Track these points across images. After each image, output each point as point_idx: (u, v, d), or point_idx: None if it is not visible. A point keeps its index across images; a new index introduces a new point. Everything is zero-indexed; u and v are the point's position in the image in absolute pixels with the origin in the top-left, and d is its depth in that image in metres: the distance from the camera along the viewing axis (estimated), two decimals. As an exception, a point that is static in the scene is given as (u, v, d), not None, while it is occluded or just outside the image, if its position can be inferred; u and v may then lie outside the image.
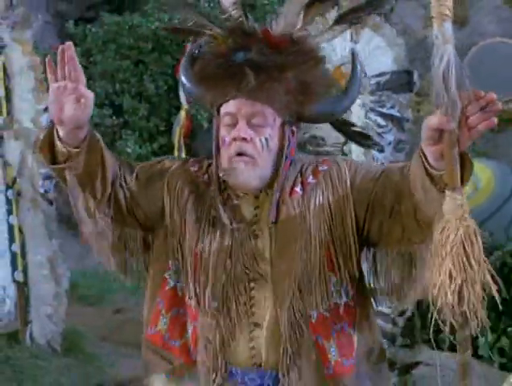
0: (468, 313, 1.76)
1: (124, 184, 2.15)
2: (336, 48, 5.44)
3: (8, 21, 5.50)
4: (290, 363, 2.04)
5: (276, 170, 2.05)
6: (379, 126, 5.47)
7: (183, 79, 2.22)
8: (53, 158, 2.00)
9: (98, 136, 2.05)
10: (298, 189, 2.10)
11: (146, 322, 2.33)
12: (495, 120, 1.72)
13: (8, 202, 5.66)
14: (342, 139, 5.51)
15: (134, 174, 2.19)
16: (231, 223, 2.07)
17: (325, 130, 5.50)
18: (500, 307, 2.04)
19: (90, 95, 1.96)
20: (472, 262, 1.76)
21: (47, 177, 5.88)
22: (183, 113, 7.72)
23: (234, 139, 2.02)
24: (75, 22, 8.10)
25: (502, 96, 6.34)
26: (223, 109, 2.06)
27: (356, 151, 5.21)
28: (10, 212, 5.67)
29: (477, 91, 1.79)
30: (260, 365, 2.07)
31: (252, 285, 2.07)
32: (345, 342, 2.09)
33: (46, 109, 5.60)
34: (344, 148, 5.26)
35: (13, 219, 5.69)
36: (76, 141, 1.96)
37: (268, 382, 2.07)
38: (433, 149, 1.74)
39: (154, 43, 8.10)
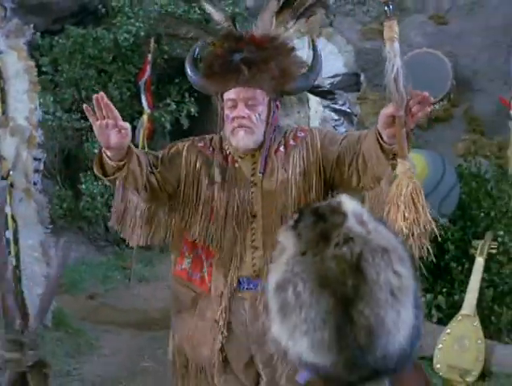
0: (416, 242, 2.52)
1: (154, 170, 2.77)
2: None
3: (3, 30, 6.00)
4: None
5: (265, 134, 2.80)
6: (333, 120, 6.26)
7: (189, 75, 2.93)
8: (104, 171, 2.62)
9: (131, 145, 2.63)
10: (281, 149, 2.86)
11: (174, 263, 3.05)
12: (428, 109, 2.48)
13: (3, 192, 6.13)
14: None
15: (159, 160, 2.83)
16: (224, 181, 2.80)
17: (288, 123, 6.29)
18: (436, 272, 2.66)
19: (128, 126, 2.57)
20: (419, 206, 2.53)
21: (36, 170, 6.40)
22: (145, 117, 8.33)
23: (237, 117, 2.72)
24: (42, 34, 8.47)
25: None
26: (226, 96, 2.77)
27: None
28: (5, 202, 6.13)
29: (416, 91, 2.50)
30: (258, 275, 2.80)
31: (252, 220, 2.80)
32: None
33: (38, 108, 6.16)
34: (304, 139, 6.03)
35: (7, 209, 6.15)
36: (120, 157, 2.57)
37: (261, 285, 2.78)
38: (387, 131, 2.50)
39: (117, 54, 8.59)
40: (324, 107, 6.25)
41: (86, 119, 7.77)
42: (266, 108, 2.77)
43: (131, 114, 8.72)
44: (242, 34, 2.80)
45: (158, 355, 6.25)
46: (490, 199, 6.03)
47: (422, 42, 8.90)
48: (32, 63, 5.99)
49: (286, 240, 1.44)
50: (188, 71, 2.93)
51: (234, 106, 2.75)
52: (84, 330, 6.55)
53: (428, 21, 9.19)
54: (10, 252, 6.15)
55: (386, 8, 2.50)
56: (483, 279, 5.57)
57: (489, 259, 5.81)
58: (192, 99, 8.57)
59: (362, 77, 6.59)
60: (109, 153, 2.54)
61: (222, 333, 2.84)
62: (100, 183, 8.49)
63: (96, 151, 8.42)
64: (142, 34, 8.16)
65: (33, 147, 6.08)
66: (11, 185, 6.10)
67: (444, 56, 8.56)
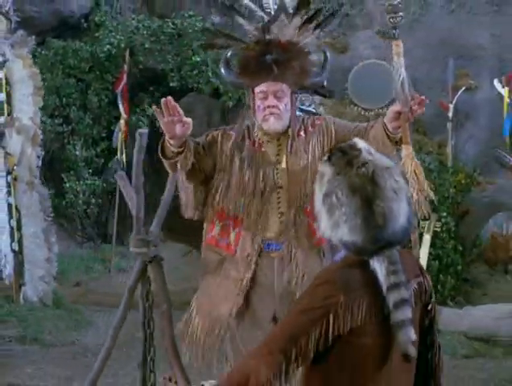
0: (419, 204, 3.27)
1: (198, 155, 3.27)
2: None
3: (9, 41, 6.61)
4: (294, 234, 3.40)
5: (290, 121, 3.45)
6: (301, 119, 7.06)
7: (224, 73, 3.56)
8: (164, 156, 3.14)
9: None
10: (302, 133, 3.41)
11: (205, 233, 3.56)
12: (424, 108, 3.22)
13: (8, 185, 6.71)
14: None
15: (201, 146, 3.33)
16: (253, 162, 3.36)
17: (262, 123, 7.04)
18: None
19: (190, 121, 3.07)
20: (421, 180, 3.29)
21: (36, 166, 7.00)
22: (122, 122, 8.95)
23: (268, 106, 3.33)
24: (25, 46, 9.04)
25: (376, 104, 8.18)
26: (257, 89, 3.31)
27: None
28: (9, 194, 6.72)
29: (416, 94, 3.22)
30: (278, 237, 3.32)
31: (277, 192, 3.35)
32: None
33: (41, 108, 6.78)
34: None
35: (11, 200, 6.74)
36: (180, 144, 3.10)
37: (283, 246, 3.33)
38: (393, 124, 3.16)
39: (95, 64, 9.19)
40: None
41: (67, 124, 8.33)
42: (289, 99, 3.32)
43: (109, 119, 9.37)
44: (271, 40, 3.37)
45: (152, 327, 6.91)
46: (434, 187, 6.89)
47: (370, 54, 9.39)
48: (36, 70, 6.64)
49: (325, 169, 2.19)
50: (222, 70, 3.49)
51: (265, 98, 3.28)
52: (79, 309, 7.16)
53: (375, 36, 9.44)
54: (13, 239, 6.79)
55: (393, 31, 3.29)
56: (430, 253, 6.42)
57: (435, 236, 6.70)
58: (167, 105, 9.26)
59: (325, 82, 7.37)
60: (172, 142, 3.08)
61: (246, 287, 3.31)
62: (81, 183, 9.10)
63: (77, 153, 8.97)
64: (123, 46, 8.78)
65: (36, 145, 6.72)
66: (15, 178, 6.74)
67: (390, 66, 9.24)
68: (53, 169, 9.17)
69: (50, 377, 5.40)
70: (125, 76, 8.84)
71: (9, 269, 6.76)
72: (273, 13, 6.13)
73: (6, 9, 6.54)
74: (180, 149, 3.10)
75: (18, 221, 6.76)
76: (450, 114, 8.85)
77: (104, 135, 9.42)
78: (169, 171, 3.36)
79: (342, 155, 2.19)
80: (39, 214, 6.78)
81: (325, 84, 4.36)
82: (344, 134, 3.30)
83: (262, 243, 3.32)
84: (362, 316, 2.07)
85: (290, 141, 3.33)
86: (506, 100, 8.58)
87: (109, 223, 10.05)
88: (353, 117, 9.13)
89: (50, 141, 9.06)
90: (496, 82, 8.85)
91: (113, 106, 9.22)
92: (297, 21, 3.39)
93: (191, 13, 9.26)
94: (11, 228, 6.73)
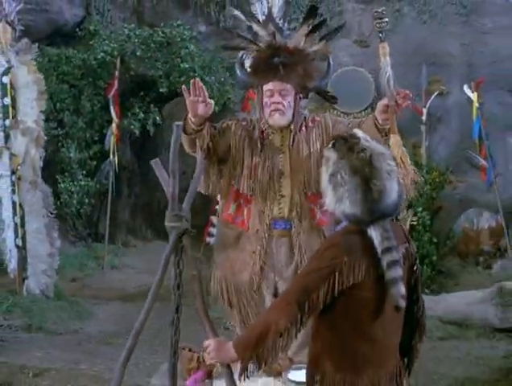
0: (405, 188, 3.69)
1: (213, 138, 3.69)
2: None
3: (14, 48, 6.94)
4: (297, 215, 3.85)
5: (293, 117, 3.80)
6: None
7: (239, 73, 3.92)
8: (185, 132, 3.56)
9: None
10: (303, 128, 3.82)
11: (221, 210, 4.01)
12: (409, 102, 3.64)
13: (12, 184, 7.01)
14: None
15: (217, 131, 3.74)
16: (261, 149, 3.85)
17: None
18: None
19: (212, 102, 3.53)
20: (407, 165, 3.73)
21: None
22: (114, 126, 9.30)
23: (273, 103, 3.71)
24: (20, 54, 9.32)
25: (355, 108, 8.71)
26: (265, 87, 3.72)
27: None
28: (13, 192, 7.03)
29: (400, 89, 3.63)
30: (283, 217, 3.80)
31: (280, 177, 3.77)
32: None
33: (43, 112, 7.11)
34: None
35: (15, 198, 7.04)
36: (200, 122, 3.53)
37: (288, 225, 3.83)
38: (382, 116, 3.58)
39: (87, 71, 9.52)
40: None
41: (62, 127, 8.61)
42: (293, 98, 3.71)
43: (101, 123, 9.67)
44: (280, 45, 3.76)
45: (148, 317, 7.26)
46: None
47: (349, 61, 9.95)
48: (40, 76, 6.97)
49: (330, 154, 2.61)
50: (238, 70, 3.90)
51: (271, 95, 3.68)
52: (79, 301, 7.47)
53: (353, 44, 10.20)
54: (17, 235, 7.10)
55: (380, 34, 3.72)
56: (407, 245, 6.85)
57: (411, 229, 7.15)
58: (156, 109, 9.65)
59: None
60: (193, 120, 3.51)
61: (260, 258, 3.76)
62: (75, 183, 9.41)
63: (71, 155, 9.25)
64: (116, 53, 9.13)
65: (40, 146, 7.05)
66: (19, 178, 7.05)
67: (367, 73, 9.60)
68: (48, 170, 9.44)
69: (58, 360, 5.70)
70: (116, 82, 9.20)
71: (13, 264, 7.06)
72: (261, 22, 6.49)
73: (12, 18, 6.88)
74: (200, 128, 3.53)
75: (22, 218, 7.05)
76: (424, 117, 9.32)
77: (96, 138, 9.69)
78: (186, 149, 3.74)
79: (344, 142, 2.62)
80: (41, 211, 7.09)
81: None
82: (339, 129, 3.70)
83: (269, 221, 3.75)
84: (362, 274, 2.50)
85: (292, 135, 3.74)
86: (475, 104, 9.05)
87: (100, 223, 10.36)
88: (334, 121, 9.64)
89: (45, 144, 9.35)
90: (466, 88, 9.30)
91: (105, 111, 9.54)
92: (304, 29, 3.77)
93: (179, 22, 9.63)
94: (15, 225, 7.03)
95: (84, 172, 9.57)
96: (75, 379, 5.29)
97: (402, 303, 2.49)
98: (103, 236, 10.13)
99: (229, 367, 2.70)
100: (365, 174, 2.51)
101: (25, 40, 6.96)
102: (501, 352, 5.94)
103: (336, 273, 2.48)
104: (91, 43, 9.32)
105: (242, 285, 3.80)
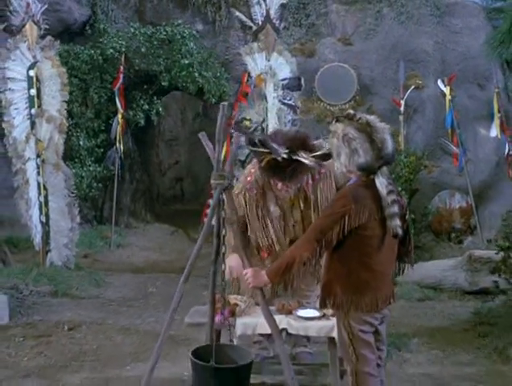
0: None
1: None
2: (257, 63, 8.14)
3: (39, 45, 7.58)
4: None
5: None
6: (283, 111, 8.21)
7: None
8: None
9: None
10: (310, 181, 4.39)
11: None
12: None
13: (37, 166, 7.66)
14: (261, 119, 8.21)
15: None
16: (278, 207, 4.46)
17: (251, 113, 8.16)
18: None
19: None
20: None
21: (59, 151, 7.94)
22: (119, 116, 9.94)
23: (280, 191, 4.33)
24: (34, 50, 9.88)
25: (339, 101, 9.55)
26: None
27: (271, 123, 7.91)
28: (38, 174, 7.67)
29: None
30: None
31: (295, 225, 4.44)
32: None
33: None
34: (263, 124, 7.94)
35: (40, 179, 7.69)
36: None
37: None
38: None
39: (94, 66, 10.11)
40: (278, 101, 8.21)
41: (71, 118, 9.24)
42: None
43: (107, 114, 10.28)
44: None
45: (158, 285, 7.96)
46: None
47: (333, 58, 10.55)
48: (63, 69, 7.61)
49: (336, 126, 3.33)
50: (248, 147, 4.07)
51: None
52: (96, 272, 8.13)
53: (337, 42, 10.74)
54: (41, 212, 7.74)
55: None
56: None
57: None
58: (159, 101, 10.33)
59: (302, 80, 8.54)
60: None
61: None
62: (85, 169, 10.04)
63: (81, 143, 9.81)
64: (123, 50, 9.76)
65: (62, 132, 7.69)
66: (43, 161, 7.70)
67: (350, 68, 10.33)
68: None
69: (87, 318, 6.37)
70: (121, 77, 9.85)
71: (38, 238, 7.72)
72: (260, 23, 7.32)
73: (38, 18, 7.51)
74: None
75: (46, 197, 7.70)
76: (401, 109, 9.93)
77: (103, 128, 10.28)
78: None
79: (344, 118, 3.36)
80: (63, 191, 7.74)
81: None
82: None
83: None
84: (365, 217, 3.23)
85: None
86: (448, 97, 9.72)
87: (104, 207, 11.01)
88: (320, 111, 10.35)
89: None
90: (439, 82, 9.98)
91: (111, 102, 10.14)
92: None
93: (179, 21, 10.27)
94: (40, 203, 7.69)
95: (93, 158, 10.16)
96: (104, 332, 5.99)
97: (399, 231, 3.23)
98: (107, 219, 10.78)
99: (261, 290, 3.40)
100: (367, 131, 3.24)
101: (49, 37, 7.60)
102: (470, 309, 6.68)
103: (346, 217, 3.21)
104: (100, 40, 9.90)
105: None
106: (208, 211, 10.73)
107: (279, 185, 4.23)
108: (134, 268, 8.91)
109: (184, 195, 14.91)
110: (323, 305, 3.45)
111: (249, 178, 4.44)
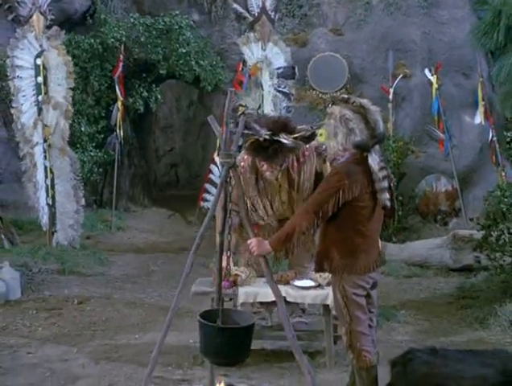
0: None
1: None
2: (253, 53, 8.46)
3: (46, 34, 7.85)
4: None
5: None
6: (279, 98, 8.53)
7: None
8: None
9: None
10: (295, 163, 4.73)
11: None
12: None
13: (44, 151, 7.95)
14: (257, 105, 8.53)
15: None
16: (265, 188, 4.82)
17: (247, 100, 8.48)
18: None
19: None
20: None
21: (64, 136, 8.22)
22: (119, 103, 10.22)
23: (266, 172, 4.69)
24: (35, 39, 10.12)
25: (331, 89, 9.90)
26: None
27: (267, 110, 8.24)
28: (45, 158, 7.97)
29: None
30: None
31: (283, 205, 4.82)
32: None
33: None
34: (259, 110, 8.25)
35: (46, 163, 7.98)
36: None
37: None
38: None
39: (94, 55, 10.36)
40: (273, 89, 8.54)
41: (73, 105, 9.49)
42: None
43: (107, 101, 10.55)
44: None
45: (159, 264, 8.30)
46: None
47: (325, 47, 10.81)
48: (69, 58, 7.89)
49: (332, 109, 3.65)
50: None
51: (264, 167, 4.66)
52: (100, 252, 8.44)
53: (329, 32, 11.02)
54: (48, 195, 8.04)
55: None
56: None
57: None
58: (158, 88, 10.63)
59: (296, 69, 8.87)
60: None
61: None
62: (86, 154, 10.31)
63: (82, 129, 10.10)
64: (124, 39, 10.04)
65: (68, 118, 7.98)
66: (50, 145, 7.99)
67: (342, 58, 10.58)
68: (62, 143, 10.31)
69: (94, 293, 6.71)
70: (121, 65, 10.12)
71: (45, 219, 8.02)
72: (256, 14, 7.61)
73: (44, 9, 7.78)
74: None
75: (52, 180, 8.00)
76: (390, 97, 10.18)
77: (103, 114, 10.53)
78: None
79: (340, 101, 3.69)
80: (69, 174, 8.04)
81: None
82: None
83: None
84: (358, 190, 3.56)
85: (285, 170, 4.73)
86: (435, 85, 10.05)
87: (104, 191, 11.30)
88: (313, 99, 10.66)
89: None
90: (426, 71, 10.29)
91: (111, 90, 10.40)
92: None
93: (177, 12, 10.53)
94: (46, 186, 7.98)
95: (93, 144, 10.42)
96: (111, 305, 6.32)
97: (388, 204, 3.58)
98: (106, 203, 11.08)
99: (265, 257, 3.73)
100: (362, 112, 3.58)
101: (55, 27, 7.88)
102: (454, 285, 7.07)
103: (340, 192, 3.54)
104: (101, 30, 10.16)
105: None
106: (204, 194, 11.00)
107: (264, 166, 4.57)
108: (135, 248, 9.22)
109: (179, 180, 15.18)
110: (320, 270, 3.79)
111: (242, 164, 4.77)
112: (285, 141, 4.15)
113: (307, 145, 4.59)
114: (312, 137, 4.26)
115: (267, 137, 4.12)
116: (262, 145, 4.21)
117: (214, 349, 3.62)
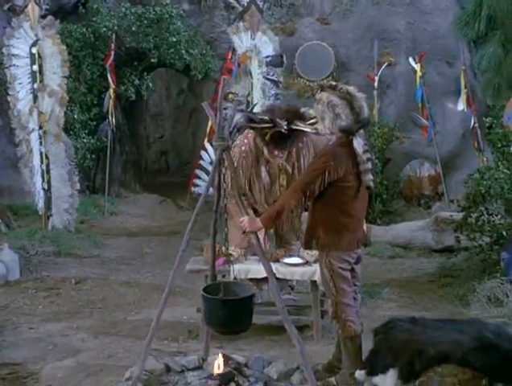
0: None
1: None
2: (243, 42, 8.65)
3: (41, 24, 7.99)
4: None
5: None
6: (267, 85, 8.73)
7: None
8: None
9: None
10: (294, 149, 4.88)
11: None
12: None
13: (39, 137, 8.12)
14: (246, 92, 8.74)
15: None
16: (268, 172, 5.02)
17: (237, 88, 8.68)
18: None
19: None
20: None
21: (59, 123, 8.38)
22: (111, 91, 10.37)
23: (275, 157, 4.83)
24: (29, 28, 10.23)
25: (318, 77, 10.14)
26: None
27: (256, 97, 8.46)
28: (40, 144, 8.13)
29: None
30: None
31: (281, 189, 4.96)
32: None
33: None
34: (248, 97, 8.47)
35: (42, 149, 8.15)
36: None
37: None
38: None
39: (86, 43, 10.51)
40: (262, 77, 8.75)
41: (66, 92, 9.53)
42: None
43: (99, 89, 10.71)
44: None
45: (152, 246, 8.50)
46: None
47: (312, 36, 11.08)
48: (63, 47, 8.04)
49: (321, 95, 3.86)
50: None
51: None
52: (94, 235, 8.64)
53: (316, 22, 11.32)
54: (43, 179, 8.21)
55: None
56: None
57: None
58: (149, 76, 10.78)
59: (284, 58, 9.08)
60: None
61: None
62: (79, 141, 10.47)
63: (75, 117, 10.25)
64: (116, 28, 10.18)
65: (63, 105, 8.13)
66: (45, 132, 8.15)
67: (328, 47, 10.82)
68: (55, 130, 10.45)
69: (91, 274, 6.90)
70: (112, 54, 10.26)
71: (41, 203, 8.19)
72: (245, 4, 7.82)
73: (39, -1, 7.93)
74: None
75: (48, 165, 8.16)
76: (375, 84, 10.44)
77: (95, 102, 10.69)
78: None
79: (328, 87, 3.90)
80: (64, 160, 8.21)
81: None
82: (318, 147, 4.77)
83: None
84: (343, 171, 3.76)
85: (284, 157, 4.88)
86: (419, 73, 10.26)
87: (96, 177, 11.48)
88: (300, 87, 10.87)
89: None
90: (410, 59, 10.50)
91: (103, 78, 10.55)
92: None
93: (167, 1, 10.70)
94: (42, 171, 8.15)
95: (86, 131, 10.57)
96: (108, 285, 6.52)
97: (371, 184, 3.80)
98: (99, 189, 11.26)
99: (256, 234, 3.94)
100: (348, 98, 3.77)
101: (50, 17, 8.01)
102: (436, 264, 7.32)
103: (326, 172, 3.75)
104: (94, 19, 10.30)
105: None
106: (195, 180, 11.21)
107: (275, 152, 4.72)
108: (128, 232, 9.41)
109: (169, 167, 15.36)
110: (308, 247, 4.01)
111: (243, 148, 4.97)
112: (305, 128, 4.38)
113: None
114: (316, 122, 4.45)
115: (286, 127, 4.34)
116: (281, 135, 4.42)
117: (218, 320, 3.80)
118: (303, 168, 4.86)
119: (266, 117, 4.36)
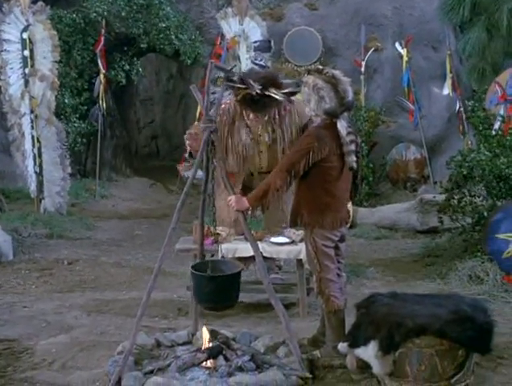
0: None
1: None
2: (231, 27, 8.72)
3: (32, 9, 8.03)
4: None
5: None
6: (256, 70, 8.81)
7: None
8: None
9: None
10: (277, 116, 4.96)
11: None
12: None
13: (31, 121, 8.18)
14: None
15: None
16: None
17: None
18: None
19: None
20: None
21: (50, 107, 8.44)
22: (101, 76, 10.43)
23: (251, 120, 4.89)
24: (20, 14, 10.25)
25: (306, 62, 10.25)
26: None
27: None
28: (32, 128, 8.20)
29: None
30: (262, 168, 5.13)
31: (261, 154, 5.07)
32: None
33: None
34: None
35: (34, 133, 8.21)
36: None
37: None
38: None
39: (77, 29, 10.55)
40: (250, 62, 8.81)
41: (57, 77, 9.59)
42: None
43: (90, 74, 10.77)
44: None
45: (143, 229, 8.61)
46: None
47: (300, 22, 11.10)
48: (54, 32, 8.08)
49: (307, 78, 3.95)
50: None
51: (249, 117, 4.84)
52: (86, 218, 8.74)
53: (304, 7, 11.33)
54: (35, 163, 8.28)
55: None
56: (350, 168, 8.27)
57: (353, 156, 8.54)
58: (139, 62, 10.83)
59: (272, 43, 9.15)
60: None
61: None
62: (70, 125, 10.53)
63: (66, 101, 10.30)
64: (105, 14, 10.21)
65: (54, 90, 8.19)
66: (36, 116, 8.21)
67: (316, 32, 10.84)
68: (46, 114, 10.50)
69: (83, 255, 7.00)
70: (103, 39, 10.31)
71: (33, 186, 8.27)
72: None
73: (29, -17, 7.95)
74: None
75: (39, 149, 8.24)
76: (362, 69, 10.54)
77: (86, 87, 10.75)
78: None
79: (314, 71, 3.99)
80: (56, 143, 8.28)
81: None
82: (303, 117, 4.87)
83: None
84: (326, 152, 3.86)
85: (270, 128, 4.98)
86: (405, 58, 10.42)
87: (87, 161, 11.55)
88: (288, 72, 10.94)
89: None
90: (397, 44, 10.66)
91: (93, 63, 10.62)
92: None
93: (157, -14, 10.73)
94: (34, 155, 8.22)
95: (77, 116, 10.63)
96: (99, 265, 6.64)
97: (354, 165, 3.91)
98: (89, 173, 11.34)
99: (243, 213, 4.05)
100: (332, 82, 3.86)
101: (40, 3, 8.05)
102: (420, 245, 7.47)
103: (311, 152, 3.86)
104: (84, 5, 10.33)
105: None
106: (185, 163, 11.35)
107: (251, 116, 4.82)
108: (119, 215, 9.51)
109: (159, 152, 15.43)
110: (294, 224, 4.13)
111: (223, 106, 4.96)
112: (276, 96, 4.41)
113: (292, 98, 4.65)
114: (296, 92, 4.41)
115: (259, 91, 4.35)
116: (253, 98, 4.42)
117: (206, 296, 3.92)
118: (286, 137, 4.94)
119: (241, 78, 4.38)
